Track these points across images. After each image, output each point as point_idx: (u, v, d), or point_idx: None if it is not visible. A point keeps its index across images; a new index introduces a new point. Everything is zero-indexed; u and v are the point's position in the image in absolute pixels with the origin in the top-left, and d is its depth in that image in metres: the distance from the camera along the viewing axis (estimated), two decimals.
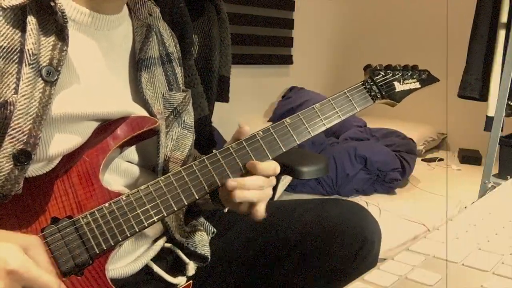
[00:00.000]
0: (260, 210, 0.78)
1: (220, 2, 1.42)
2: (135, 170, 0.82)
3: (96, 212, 0.68)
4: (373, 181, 2.18)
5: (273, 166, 0.77)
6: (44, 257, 0.61)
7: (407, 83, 0.91)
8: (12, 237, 0.60)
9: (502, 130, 1.87)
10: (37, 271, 0.57)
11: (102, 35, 0.76)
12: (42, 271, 0.58)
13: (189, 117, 0.90)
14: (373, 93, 0.86)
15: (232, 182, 0.74)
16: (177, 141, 0.87)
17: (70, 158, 0.70)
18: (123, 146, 0.75)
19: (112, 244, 0.68)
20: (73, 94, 0.69)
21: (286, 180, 2.03)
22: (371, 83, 0.87)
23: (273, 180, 0.79)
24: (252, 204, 0.77)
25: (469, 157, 2.83)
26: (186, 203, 0.72)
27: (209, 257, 0.87)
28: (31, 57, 0.63)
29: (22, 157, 0.62)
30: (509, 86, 1.77)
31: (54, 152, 0.68)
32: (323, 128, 0.81)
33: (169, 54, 0.90)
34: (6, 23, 0.63)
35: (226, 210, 0.93)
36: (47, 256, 0.62)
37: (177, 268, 0.86)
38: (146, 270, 0.82)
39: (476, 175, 2.07)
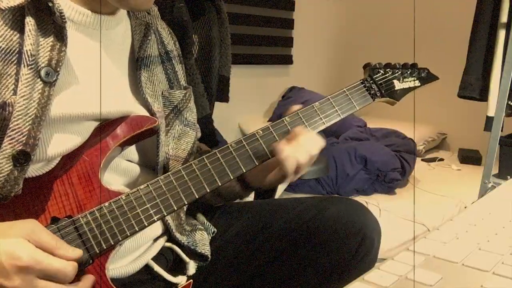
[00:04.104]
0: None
1: (221, 2, 1.42)
2: (135, 169, 0.82)
3: (96, 211, 0.68)
4: (373, 181, 2.18)
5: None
6: (47, 237, 0.61)
7: (407, 82, 0.91)
8: (10, 229, 0.60)
9: (502, 130, 1.87)
10: (47, 261, 0.58)
11: (101, 35, 0.76)
12: (53, 259, 0.59)
13: (191, 114, 0.90)
14: (372, 92, 0.86)
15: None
16: (179, 139, 0.87)
17: (69, 158, 0.70)
18: (123, 146, 0.75)
19: (112, 243, 0.68)
20: (72, 94, 0.69)
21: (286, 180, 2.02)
22: (371, 82, 0.87)
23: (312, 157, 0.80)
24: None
25: (469, 157, 2.83)
26: (186, 203, 0.72)
27: (210, 256, 0.87)
28: (30, 58, 0.63)
29: (22, 158, 0.62)
30: (509, 86, 1.76)
31: (53, 153, 0.68)
32: (323, 127, 0.81)
33: (168, 52, 0.90)
34: (4, 24, 0.63)
35: (246, 198, 0.94)
36: (49, 233, 0.62)
37: (178, 267, 0.86)
38: (147, 269, 0.82)
39: (476, 175, 2.06)
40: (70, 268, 0.60)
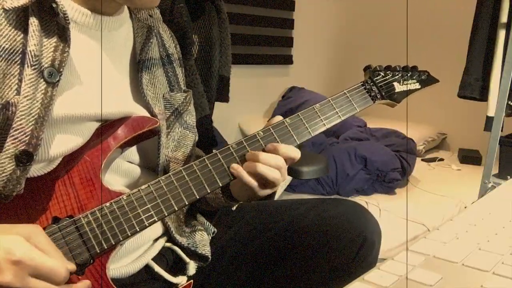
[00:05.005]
0: (262, 193, 0.77)
1: (221, 2, 1.42)
2: (136, 170, 0.82)
3: (97, 211, 0.68)
4: (373, 181, 2.18)
5: (295, 150, 0.76)
6: (46, 242, 0.61)
7: (407, 84, 0.91)
8: (13, 228, 0.60)
9: (502, 130, 1.87)
10: (41, 258, 0.58)
11: (103, 36, 0.76)
12: (46, 258, 0.59)
13: (190, 117, 0.91)
14: (373, 94, 0.87)
15: (249, 154, 0.75)
16: (178, 142, 0.87)
17: (71, 158, 0.70)
18: (124, 146, 0.76)
19: (113, 243, 0.68)
20: (75, 95, 0.69)
21: (286, 180, 2.03)
22: (371, 84, 0.87)
23: (285, 172, 0.77)
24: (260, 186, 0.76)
25: (469, 157, 2.83)
26: (186, 203, 0.73)
27: (210, 257, 0.87)
28: (33, 58, 0.63)
29: (24, 158, 0.62)
30: (509, 86, 1.77)
31: (55, 153, 0.68)
32: (323, 128, 0.81)
33: (169, 55, 0.90)
34: (8, 25, 0.63)
35: (234, 207, 0.93)
36: (49, 240, 0.62)
37: (178, 268, 0.86)
38: (147, 269, 0.82)
39: (476, 175, 2.07)
40: (63, 269, 0.60)
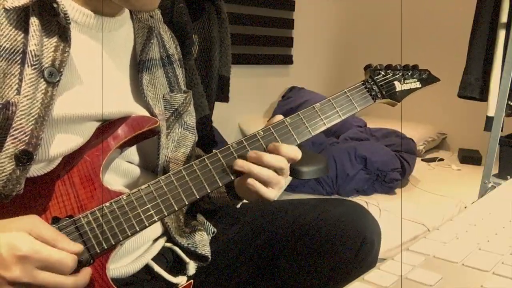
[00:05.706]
0: (269, 194, 0.76)
1: (220, 2, 1.42)
2: (136, 170, 0.82)
3: (97, 211, 0.68)
4: (373, 181, 2.18)
5: (296, 150, 0.76)
6: (48, 230, 0.61)
7: (408, 83, 0.91)
8: (11, 223, 0.60)
9: (502, 130, 1.87)
10: (47, 251, 0.59)
11: (103, 37, 0.76)
12: (53, 250, 0.59)
13: (190, 118, 0.91)
14: (373, 93, 0.86)
15: (252, 153, 0.74)
16: (178, 142, 0.87)
17: (71, 158, 0.70)
18: (123, 146, 0.76)
19: (113, 243, 0.68)
20: (75, 95, 0.69)
21: (286, 180, 2.03)
22: (372, 83, 0.87)
23: (287, 171, 0.78)
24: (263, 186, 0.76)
25: (469, 157, 2.83)
26: (186, 203, 0.72)
27: (210, 257, 0.87)
28: (34, 58, 0.63)
29: (24, 158, 0.62)
30: (509, 86, 1.77)
31: (55, 153, 0.68)
32: (324, 128, 0.81)
33: (169, 56, 0.90)
34: (9, 24, 0.63)
35: (239, 205, 0.92)
36: (50, 227, 0.62)
37: (178, 268, 0.86)
38: (147, 269, 0.82)
39: (476, 175, 2.07)
40: (70, 259, 0.61)
